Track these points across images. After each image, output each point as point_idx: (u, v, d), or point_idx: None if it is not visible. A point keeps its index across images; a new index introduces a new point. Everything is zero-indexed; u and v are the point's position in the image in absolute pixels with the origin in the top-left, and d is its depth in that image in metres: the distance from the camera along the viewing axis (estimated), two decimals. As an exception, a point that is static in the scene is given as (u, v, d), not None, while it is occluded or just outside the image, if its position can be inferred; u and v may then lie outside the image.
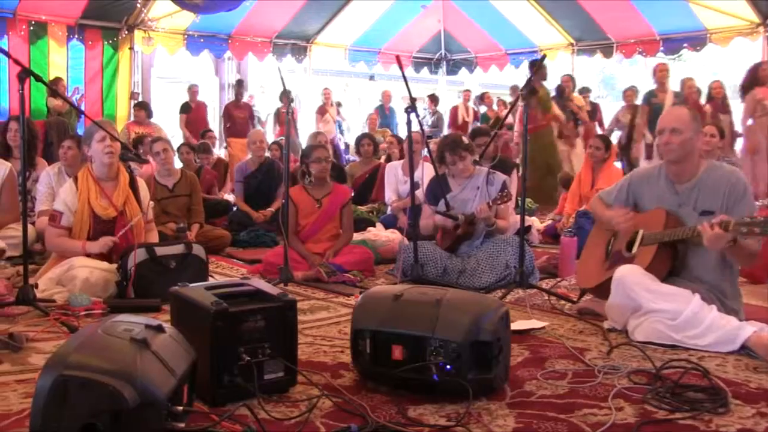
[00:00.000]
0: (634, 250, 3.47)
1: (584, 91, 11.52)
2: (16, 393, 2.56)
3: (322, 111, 12.78)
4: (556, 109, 9.41)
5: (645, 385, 2.65)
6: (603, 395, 2.55)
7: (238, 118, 11.35)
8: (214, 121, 12.55)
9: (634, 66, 21.35)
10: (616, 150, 7.78)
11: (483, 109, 13.48)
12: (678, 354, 3.01)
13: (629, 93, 10.34)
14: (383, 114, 13.51)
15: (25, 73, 3.58)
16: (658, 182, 3.52)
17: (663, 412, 2.39)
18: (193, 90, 11.38)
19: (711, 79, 10.71)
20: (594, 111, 11.21)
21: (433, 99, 13.70)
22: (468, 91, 14.08)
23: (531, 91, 9.69)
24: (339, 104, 13.86)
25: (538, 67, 7.95)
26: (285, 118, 4.69)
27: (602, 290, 3.51)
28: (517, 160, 7.79)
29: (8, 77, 9.67)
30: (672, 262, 3.38)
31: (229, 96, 13.60)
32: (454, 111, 13.43)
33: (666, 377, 2.69)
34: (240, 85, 12.09)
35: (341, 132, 13.65)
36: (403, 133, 10.35)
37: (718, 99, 9.76)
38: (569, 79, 10.31)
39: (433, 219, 4.79)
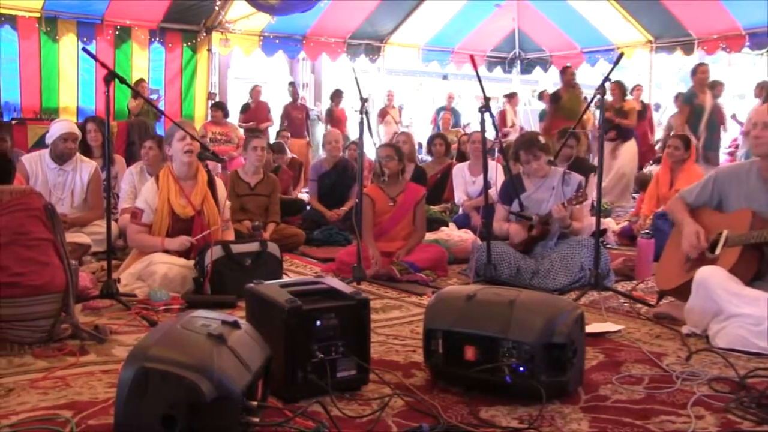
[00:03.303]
0: (718, 251, 3.34)
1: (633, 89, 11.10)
2: (101, 382, 2.67)
3: (383, 113, 12.80)
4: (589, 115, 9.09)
5: (728, 393, 2.55)
6: (682, 402, 2.48)
7: (296, 118, 11.68)
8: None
9: (716, 64, 20.55)
10: (695, 150, 7.48)
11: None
12: (764, 362, 2.88)
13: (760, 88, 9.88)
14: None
15: (111, 76, 3.73)
16: (748, 180, 3.38)
17: (748, 423, 2.30)
18: (256, 90, 11.65)
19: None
20: (644, 111, 10.84)
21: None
22: (515, 94, 13.67)
23: (554, 97, 9.56)
24: (401, 107, 13.75)
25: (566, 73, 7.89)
26: (360, 121, 4.70)
27: (682, 292, 3.40)
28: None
29: (95, 80, 10.07)
30: (758, 266, 3.24)
31: (304, 95, 13.84)
32: (502, 114, 13.00)
33: (751, 386, 2.58)
34: (293, 86, 12.29)
35: None
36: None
37: None
38: (616, 87, 9.40)
39: (507, 227, 4.73)
